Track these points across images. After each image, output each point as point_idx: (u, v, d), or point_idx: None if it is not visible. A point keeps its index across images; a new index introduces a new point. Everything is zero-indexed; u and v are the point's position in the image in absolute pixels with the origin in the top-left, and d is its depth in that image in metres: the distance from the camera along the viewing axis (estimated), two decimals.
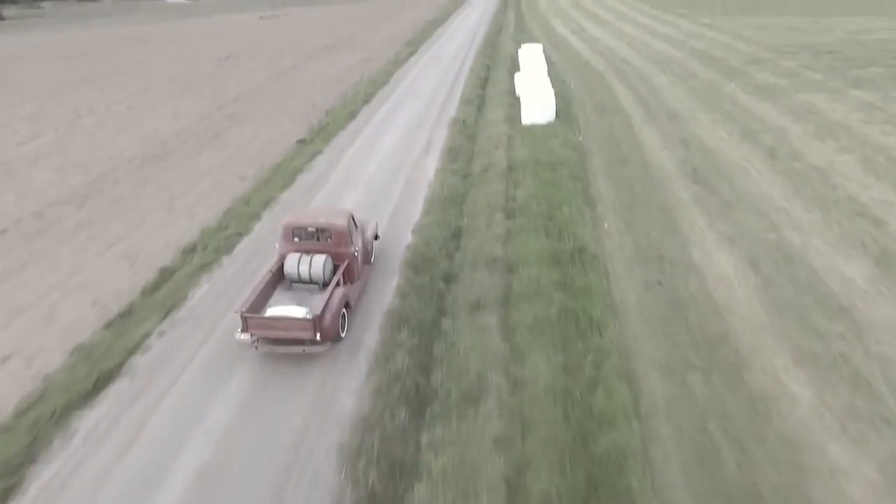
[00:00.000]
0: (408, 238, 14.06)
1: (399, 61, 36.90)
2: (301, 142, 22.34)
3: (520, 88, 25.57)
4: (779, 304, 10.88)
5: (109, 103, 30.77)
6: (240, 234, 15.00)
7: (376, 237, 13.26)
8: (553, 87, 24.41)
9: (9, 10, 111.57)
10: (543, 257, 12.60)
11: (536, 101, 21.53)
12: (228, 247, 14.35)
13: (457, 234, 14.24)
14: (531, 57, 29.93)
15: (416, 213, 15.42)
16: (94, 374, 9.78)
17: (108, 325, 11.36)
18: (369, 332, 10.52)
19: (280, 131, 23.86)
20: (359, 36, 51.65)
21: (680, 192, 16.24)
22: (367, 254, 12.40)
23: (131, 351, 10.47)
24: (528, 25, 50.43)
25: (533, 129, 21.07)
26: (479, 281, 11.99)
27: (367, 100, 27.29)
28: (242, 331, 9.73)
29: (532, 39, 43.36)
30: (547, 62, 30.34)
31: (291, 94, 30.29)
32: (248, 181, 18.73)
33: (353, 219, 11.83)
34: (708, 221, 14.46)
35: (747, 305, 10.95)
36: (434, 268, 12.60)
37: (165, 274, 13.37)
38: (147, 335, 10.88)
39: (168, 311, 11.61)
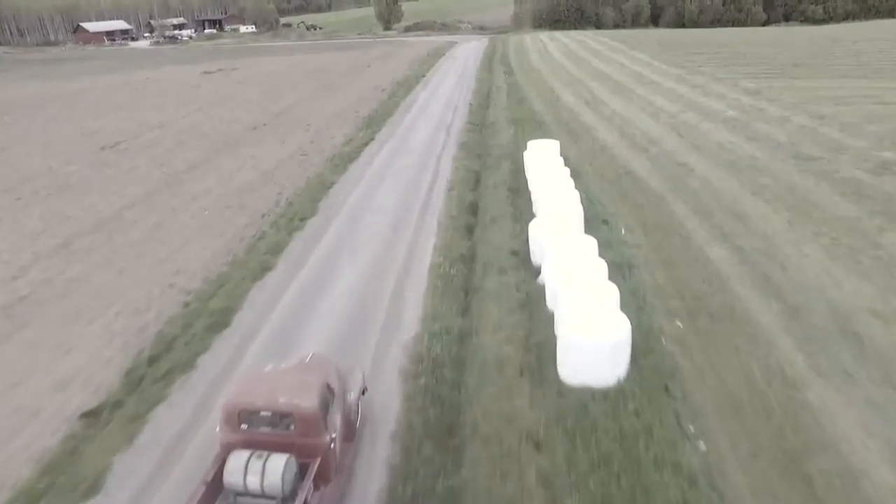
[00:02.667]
0: None
1: (345, 159, 25.29)
2: (87, 417, 10.40)
3: (539, 258, 13.99)
4: None
5: None
6: None
7: (364, 391, 9.60)
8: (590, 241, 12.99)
9: None
10: None
11: (593, 344, 9.80)
12: None
13: None
14: (546, 171, 18.46)
15: None
16: None
17: None
18: None
19: (68, 367, 11.88)
20: (305, 106, 40.21)
21: None
22: (349, 427, 8.81)
23: None
24: (524, 92, 39.34)
25: (588, 412, 9.29)
26: None
27: (265, 266, 15.42)
28: None
29: (532, 114, 32.28)
30: (563, 169, 19.02)
31: (155, 237, 18.39)
32: None
33: (330, 386, 8.39)
34: None
35: None
36: None
37: None
38: None
39: None
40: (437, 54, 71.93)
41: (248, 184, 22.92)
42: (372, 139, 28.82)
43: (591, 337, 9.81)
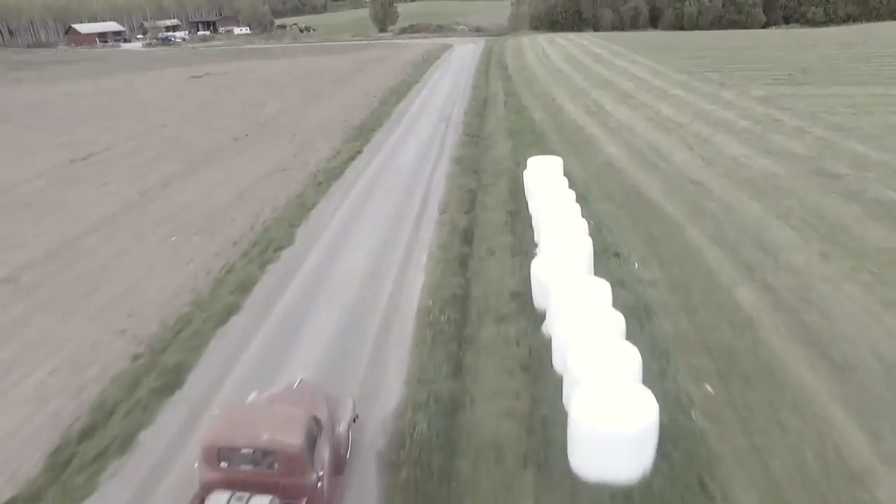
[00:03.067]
0: None
1: (330, 176, 23.39)
2: None
3: (543, 302, 12.12)
4: None
5: None
6: None
7: (355, 418, 9.12)
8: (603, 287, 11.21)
9: None
10: None
11: (613, 434, 7.93)
12: None
13: None
14: (549, 194, 16.61)
15: None
16: None
17: None
18: None
19: None
20: (292, 114, 38.33)
21: None
22: (338, 460, 8.34)
23: None
24: (523, 100, 37.52)
25: None
26: None
27: (230, 309, 13.49)
28: None
29: (532, 125, 30.51)
30: (568, 191, 17.20)
31: (114, 269, 16.45)
32: None
33: (318, 419, 7.97)
34: None
35: None
36: None
37: None
38: None
39: None
40: (432, 58, 70.16)
41: (223, 204, 21.01)
42: (360, 152, 26.95)
43: (611, 426, 7.95)
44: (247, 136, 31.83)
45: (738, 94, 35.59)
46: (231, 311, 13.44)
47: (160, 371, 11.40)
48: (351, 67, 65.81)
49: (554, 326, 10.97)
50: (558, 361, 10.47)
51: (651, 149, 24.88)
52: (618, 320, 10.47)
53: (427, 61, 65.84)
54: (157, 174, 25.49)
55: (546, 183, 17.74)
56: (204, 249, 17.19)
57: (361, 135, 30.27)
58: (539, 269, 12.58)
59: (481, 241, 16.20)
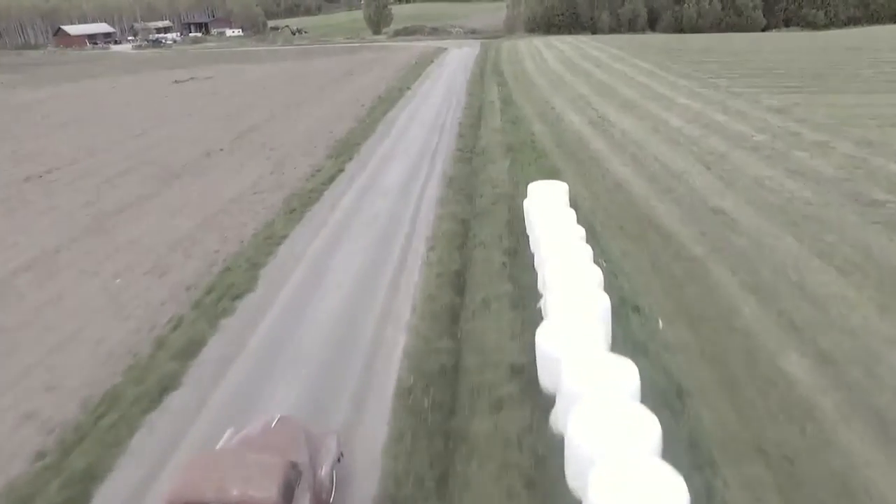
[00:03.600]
0: None
1: (305, 201, 20.84)
2: None
3: (552, 382, 9.71)
4: None
5: None
6: None
7: (339, 458, 8.42)
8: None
9: None
10: None
11: None
12: None
13: None
14: (554, 231, 14.15)
15: None
16: None
17: None
18: None
19: None
20: (274, 124, 35.79)
21: None
22: None
23: None
24: (520, 110, 35.06)
25: None
26: None
27: (167, 383, 10.98)
28: None
29: (531, 138, 28.16)
30: (576, 227, 14.80)
31: (41, 321, 13.95)
32: None
33: (296, 465, 7.37)
34: None
35: None
36: None
37: None
38: None
39: None
40: (425, 62, 67.73)
41: (182, 235, 18.50)
42: (342, 170, 24.44)
43: None
44: (221, 150, 29.26)
45: (749, 103, 33.29)
46: (167, 386, 10.94)
47: (65, 480, 8.93)
48: (341, 71, 63.32)
49: (567, 425, 8.54)
50: (573, 477, 8.06)
51: (663, 167, 22.49)
52: (651, 425, 8.05)
53: (420, 65, 63.38)
54: (116, 196, 22.95)
55: (550, 216, 15.27)
56: (151, 296, 14.69)
57: (346, 149, 27.77)
58: (546, 341, 10.13)
59: (475, 289, 13.73)
